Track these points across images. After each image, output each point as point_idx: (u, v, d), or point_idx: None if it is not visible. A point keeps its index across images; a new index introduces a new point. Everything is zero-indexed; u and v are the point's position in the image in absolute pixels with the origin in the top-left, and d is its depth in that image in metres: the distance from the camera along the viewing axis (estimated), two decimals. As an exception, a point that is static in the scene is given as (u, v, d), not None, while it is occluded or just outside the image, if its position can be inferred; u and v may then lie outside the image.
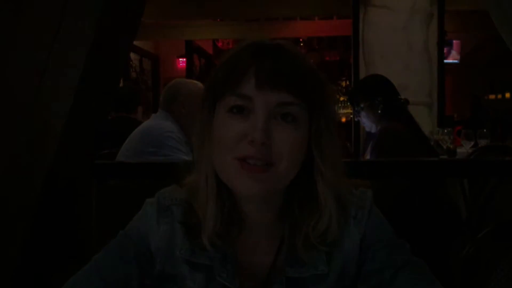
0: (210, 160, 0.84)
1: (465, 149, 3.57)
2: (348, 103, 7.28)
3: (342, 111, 7.88)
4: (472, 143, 3.63)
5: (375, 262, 0.87)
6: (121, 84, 5.52)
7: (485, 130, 3.79)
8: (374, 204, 0.92)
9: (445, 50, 7.13)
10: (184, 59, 9.15)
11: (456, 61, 8.76)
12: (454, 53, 8.75)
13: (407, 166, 1.71)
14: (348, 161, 1.71)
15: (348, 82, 9.41)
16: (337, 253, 0.88)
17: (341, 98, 8.29)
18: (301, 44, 9.79)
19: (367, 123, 2.50)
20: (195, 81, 2.56)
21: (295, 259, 0.86)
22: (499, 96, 10.61)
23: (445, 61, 5.19)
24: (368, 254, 0.88)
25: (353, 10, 4.91)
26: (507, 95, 10.42)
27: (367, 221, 0.89)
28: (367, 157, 2.41)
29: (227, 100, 0.82)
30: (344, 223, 0.88)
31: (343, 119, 7.46)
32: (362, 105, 2.47)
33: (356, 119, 2.62)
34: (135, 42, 8.98)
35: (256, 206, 0.87)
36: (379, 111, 2.41)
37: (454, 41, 8.60)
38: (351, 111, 6.66)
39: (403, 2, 4.65)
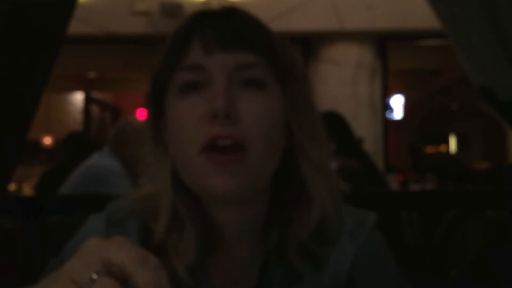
0: (169, 166, 0.65)
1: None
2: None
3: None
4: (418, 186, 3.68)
5: None
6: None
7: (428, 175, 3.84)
8: (376, 229, 0.71)
9: (395, 106, 7.36)
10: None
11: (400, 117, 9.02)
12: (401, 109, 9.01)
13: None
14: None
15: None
16: (326, 271, 0.67)
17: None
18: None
19: None
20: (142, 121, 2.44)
21: (288, 277, 0.66)
22: (436, 148, 11.00)
23: (393, 118, 5.29)
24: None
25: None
26: (442, 147, 10.81)
27: (364, 243, 0.69)
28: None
29: (175, 80, 0.64)
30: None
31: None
32: None
33: None
34: (96, 95, 8.80)
35: (237, 212, 0.65)
36: (333, 146, 2.36)
37: (401, 97, 8.85)
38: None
39: (348, 57, 4.79)
